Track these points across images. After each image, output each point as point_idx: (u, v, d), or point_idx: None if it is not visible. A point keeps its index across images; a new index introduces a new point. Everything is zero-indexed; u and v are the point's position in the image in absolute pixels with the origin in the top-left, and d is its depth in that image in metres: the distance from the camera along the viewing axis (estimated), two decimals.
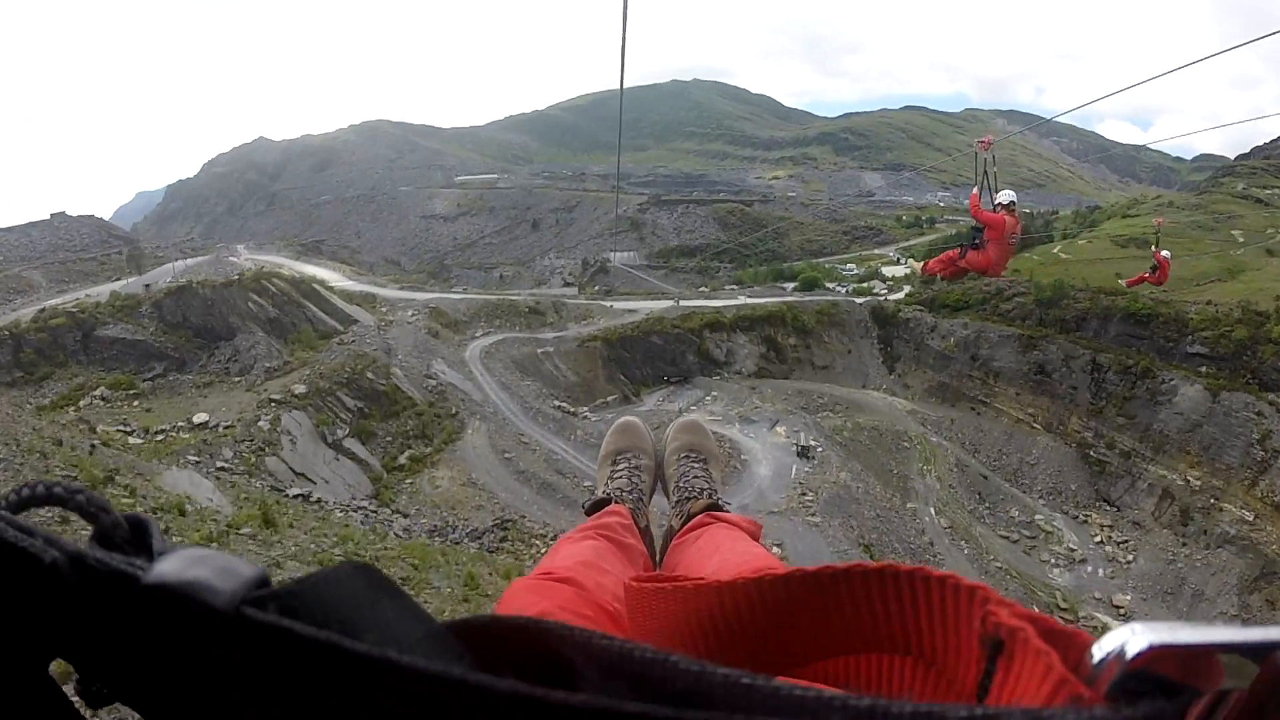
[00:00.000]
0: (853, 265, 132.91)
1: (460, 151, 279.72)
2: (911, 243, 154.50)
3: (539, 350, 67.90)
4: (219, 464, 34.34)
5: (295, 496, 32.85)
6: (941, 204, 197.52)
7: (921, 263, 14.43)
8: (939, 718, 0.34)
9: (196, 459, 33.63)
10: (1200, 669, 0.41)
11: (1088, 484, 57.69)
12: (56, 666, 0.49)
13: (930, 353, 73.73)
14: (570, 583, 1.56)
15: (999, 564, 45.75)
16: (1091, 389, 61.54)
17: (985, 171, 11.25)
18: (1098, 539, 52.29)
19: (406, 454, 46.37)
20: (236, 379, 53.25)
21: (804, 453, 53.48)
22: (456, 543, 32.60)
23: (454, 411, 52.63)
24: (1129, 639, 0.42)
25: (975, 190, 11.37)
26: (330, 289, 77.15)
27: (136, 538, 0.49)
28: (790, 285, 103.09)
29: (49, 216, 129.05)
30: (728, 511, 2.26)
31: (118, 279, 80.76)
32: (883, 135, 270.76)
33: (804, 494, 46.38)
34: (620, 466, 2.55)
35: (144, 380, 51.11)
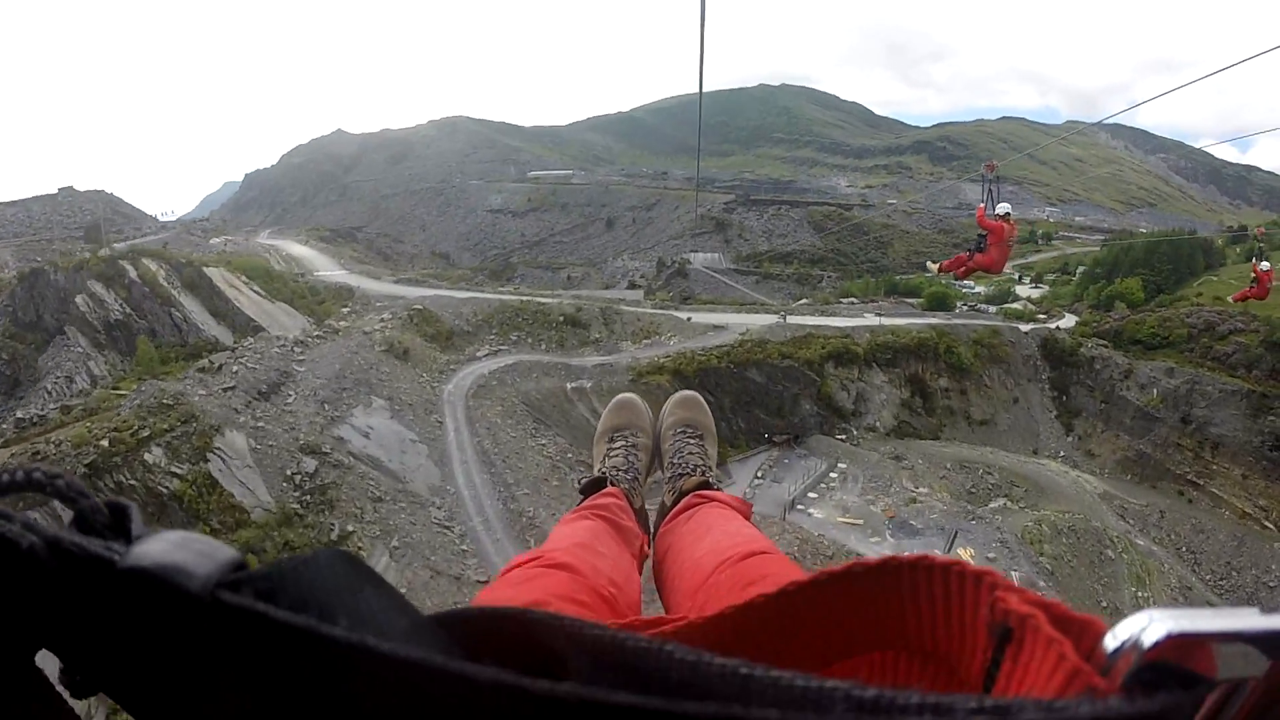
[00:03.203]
0: (970, 282, 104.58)
1: (539, 150, 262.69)
2: (1030, 259, 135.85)
3: (569, 385, 40.64)
4: None
5: None
6: (1050, 219, 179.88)
7: (938, 264, 14.04)
8: (947, 709, 0.32)
9: None
10: (1217, 657, 0.38)
11: None
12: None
13: (1125, 408, 54.73)
14: (565, 568, 1.47)
15: None
16: None
17: (989, 189, 12.51)
18: None
19: None
20: None
21: None
22: None
23: (346, 530, 24.59)
24: (1146, 627, 0.39)
25: (981, 204, 12.47)
26: (296, 279, 54.91)
27: (116, 522, 0.47)
28: (911, 302, 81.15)
29: (56, 191, 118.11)
30: (720, 489, 2.12)
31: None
32: (981, 145, 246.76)
33: None
34: (617, 445, 2.37)
35: None
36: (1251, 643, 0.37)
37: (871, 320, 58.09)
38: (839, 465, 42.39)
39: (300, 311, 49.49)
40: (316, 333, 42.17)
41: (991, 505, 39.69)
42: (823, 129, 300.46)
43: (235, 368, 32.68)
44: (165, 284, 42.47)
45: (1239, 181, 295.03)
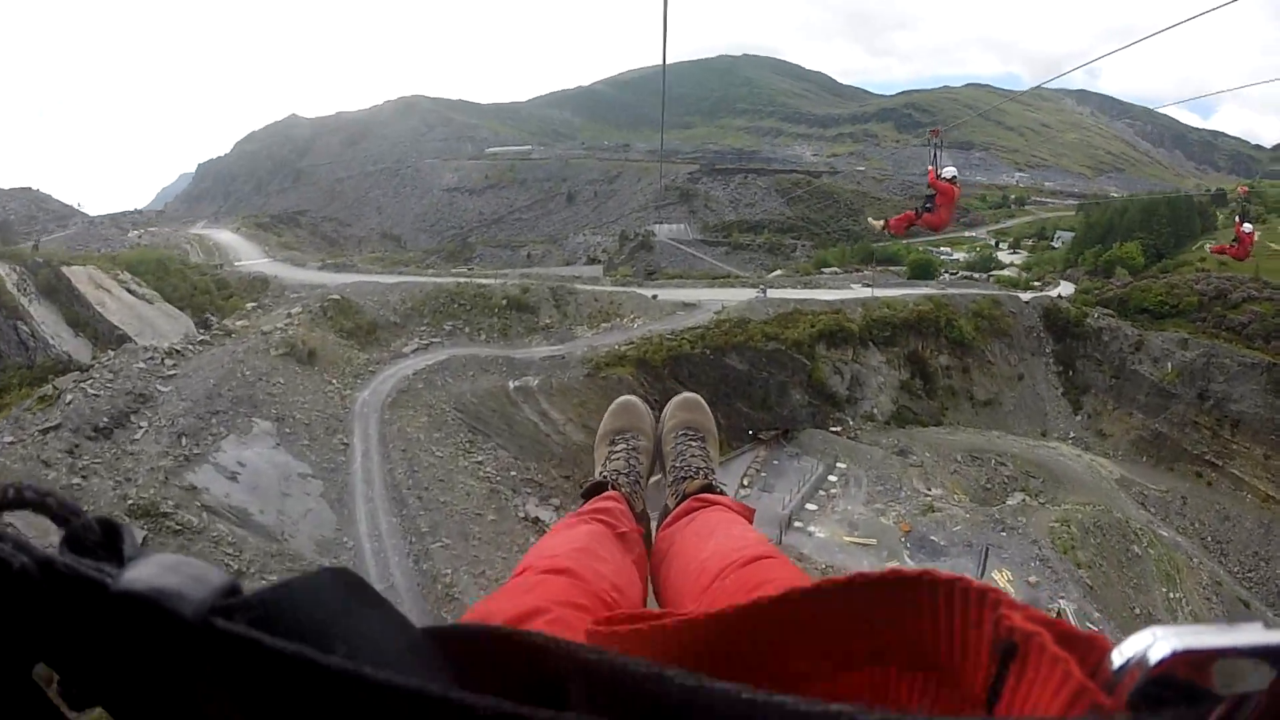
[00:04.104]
0: (947, 248, 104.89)
1: (499, 127, 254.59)
2: (1005, 225, 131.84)
3: (512, 384, 33.20)
4: None
5: None
6: (1019, 184, 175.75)
7: (882, 221, 14.17)
8: None
9: None
10: (1222, 673, 0.37)
11: None
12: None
13: (1138, 384, 49.87)
14: (565, 573, 1.45)
15: None
16: None
17: (936, 153, 12.62)
18: None
19: None
20: None
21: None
22: None
23: None
24: (1152, 644, 0.38)
25: (930, 166, 12.53)
26: (204, 273, 47.72)
27: (108, 541, 0.47)
28: (896, 271, 74.54)
29: None
30: (723, 493, 2.08)
31: None
32: (948, 112, 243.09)
33: None
34: (618, 448, 2.30)
35: None
36: (1256, 657, 0.36)
37: (860, 291, 50.80)
38: (838, 465, 35.36)
39: (199, 310, 41.33)
40: (201, 337, 34.04)
41: (1010, 502, 34.93)
42: (786, 99, 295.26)
43: (70, 397, 24.49)
44: (14, 290, 33.88)
45: (1205, 147, 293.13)
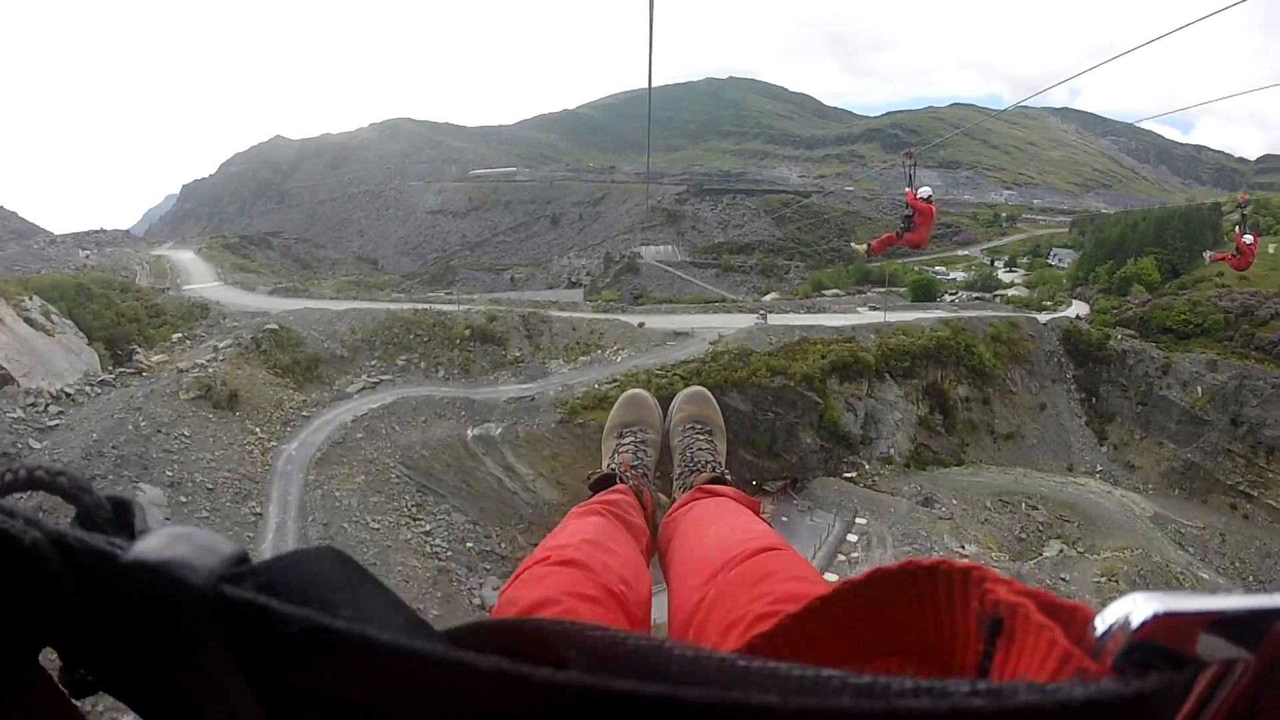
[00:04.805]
0: (942, 267, 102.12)
1: (484, 150, 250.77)
2: (997, 243, 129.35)
3: (470, 433, 27.24)
4: None
5: None
6: (1008, 202, 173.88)
7: (865, 245, 14.17)
8: (940, 694, 0.31)
9: None
10: (1206, 638, 0.37)
11: None
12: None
13: (1167, 411, 45.23)
14: (574, 564, 1.44)
15: None
16: None
17: (911, 174, 12.88)
18: None
19: None
20: None
21: None
22: None
23: None
24: (1133, 609, 0.38)
25: (908, 187, 12.65)
26: (140, 297, 42.06)
27: (119, 518, 0.46)
28: (900, 292, 69.48)
29: None
30: (729, 485, 2.05)
31: None
32: (934, 132, 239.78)
33: None
34: (626, 440, 2.31)
35: None
36: (1239, 623, 0.36)
37: (869, 315, 45.43)
38: (857, 521, 29.79)
39: (122, 342, 35.50)
40: (102, 378, 28.25)
41: (1047, 554, 31.12)
42: (771, 120, 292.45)
43: None
44: None
45: (1189, 161, 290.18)
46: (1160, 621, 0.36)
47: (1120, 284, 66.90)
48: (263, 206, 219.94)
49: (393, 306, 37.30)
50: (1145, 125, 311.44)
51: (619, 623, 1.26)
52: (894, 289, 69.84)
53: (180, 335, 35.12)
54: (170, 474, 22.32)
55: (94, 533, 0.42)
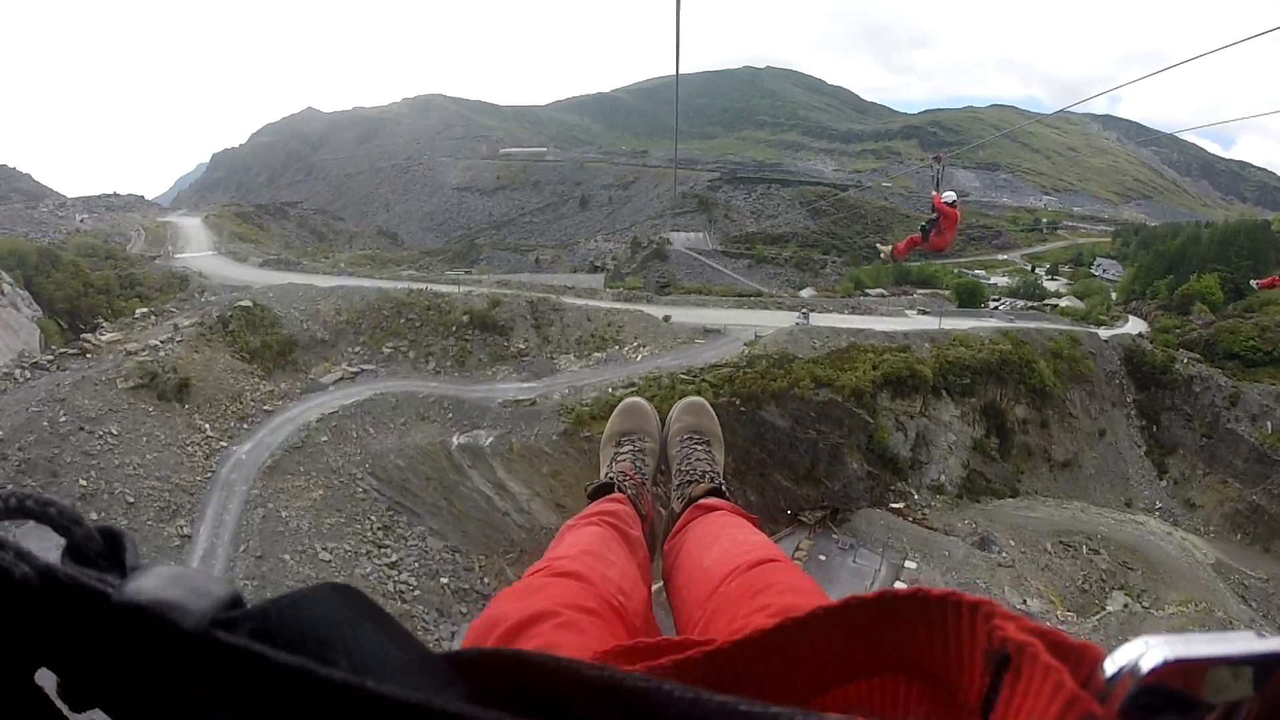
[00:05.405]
0: (982, 271, 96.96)
1: (516, 129, 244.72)
2: (1038, 249, 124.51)
3: (456, 441, 22.29)
4: None
5: None
6: (1047, 208, 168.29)
7: (890, 247, 13.55)
8: None
9: None
10: (1213, 681, 0.37)
11: None
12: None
13: (1234, 446, 40.78)
14: (573, 576, 1.42)
15: None
16: None
17: (939, 177, 12.38)
18: None
19: None
20: None
21: None
22: None
23: None
24: (1144, 654, 0.38)
25: (935, 191, 12.09)
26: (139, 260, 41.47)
27: (110, 551, 0.46)
28: (945, 294, 65.66)
29: None
30: (727, 497, 2.05)
31: None
32: (973, 132, 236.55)
33: None
34: (624, 449, 2.29)
35: None
36: (1246, 666, 0.36)
37: (920, 320, 40.50)
38: (906, 565, 25.53)
39: (87, 315, 31.86)
40: (36, 359, 24.19)
41: (1111, 607, 28.78)
42: (808, 113, 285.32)
43: None
44: None
45: (1231, 177, 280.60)
46: (1171, 667, 0.36)
47: (1181, 301, 61.54)
48: (291, 177, 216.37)
49: (386, 285, 32.82)
50: (1185, 136, 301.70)
51: (618, 635, 1.22)
52: (938, 291, 64.71)
53: (146, 310, 30.96)
54: (84, 484, 18.15)
55: (85, 567, 0.42)
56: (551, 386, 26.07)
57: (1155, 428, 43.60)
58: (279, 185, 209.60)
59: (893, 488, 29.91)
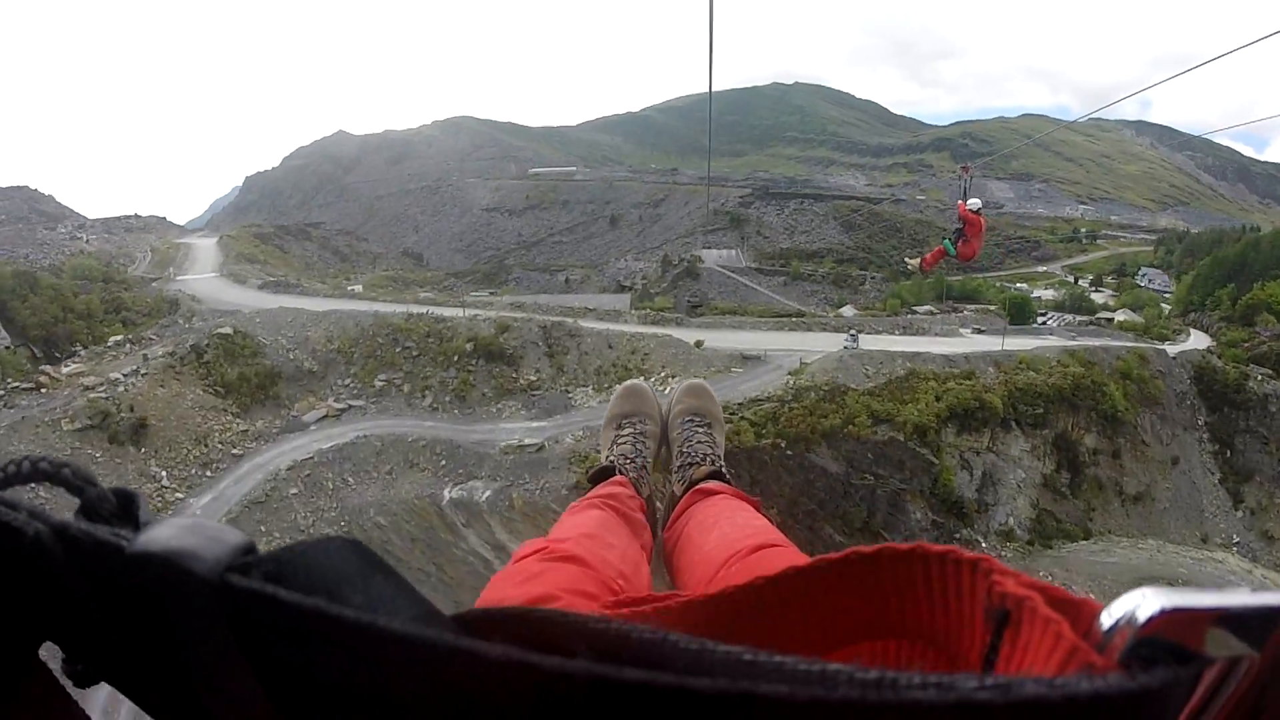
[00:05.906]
0: (1024, 284, 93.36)
1: (545, 150, 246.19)
2: (1079, 260, 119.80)
3: (448, 494, 18.19)
4: None
5: None
6: (1084, 217, 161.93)
7: (918, 259, 12.93)
8: (948, 688, 0.30)
9: None
10: (1212, 634, 0.36)
11: None
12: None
13: None
14: (574, 559, 1.41)
15: None
16: None
17: (966, 187, 12.21)
18: None
19: None
20: None
21: None
22: None
23: None
24: (1140, 604, 0.37)
25: (961, 200, 11.87)
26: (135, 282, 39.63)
27: (123, 510, 0.45)
28: (995, 309, 59.62)
29: None
30: (729, 481, 2.03)
31: None
32: (1004, 142, 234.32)
33: None
34: (625, 432, 2.26)
35: None
36: (1245, 620, 0.36)
37: (978, 341, 36.44)
38: None
39: (63, 343, 29.12)
40: None
41: None
42: (838, 127, 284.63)
43: None
44: None
45: (1268, 180, 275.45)
46: (1167, 617, 0.36)
47: (1245, 312, 56.72)
48: (322, 199, 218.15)
49: (382, 309, 29.23)
50: (1218, 139, 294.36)
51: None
52: (986, 307, 60.34)
53: (121, 338, 27.83)
54: None
55: (98, 524, 0.42)
56: (564, 427, 22.27)
57: (1229, 452, 39.41)
58: (310, 207, 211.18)
59: (957, 535, 25.85)
